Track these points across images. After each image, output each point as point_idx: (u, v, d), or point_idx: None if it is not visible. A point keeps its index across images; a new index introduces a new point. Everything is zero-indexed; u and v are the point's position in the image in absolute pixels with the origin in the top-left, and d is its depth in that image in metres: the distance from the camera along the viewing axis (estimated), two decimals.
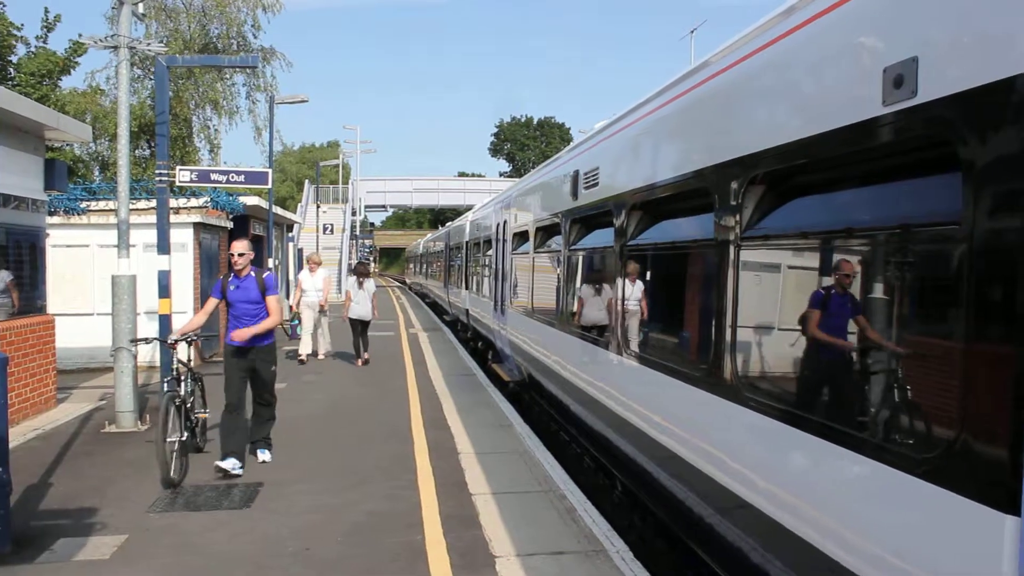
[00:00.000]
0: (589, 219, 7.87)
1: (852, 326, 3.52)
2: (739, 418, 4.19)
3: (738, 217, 4.25)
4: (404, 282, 76.23)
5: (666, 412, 5.44)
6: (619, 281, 6.54)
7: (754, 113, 4.30)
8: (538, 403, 11.38)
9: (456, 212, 56.38)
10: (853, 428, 3.31)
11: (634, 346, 6.28)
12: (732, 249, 4.34)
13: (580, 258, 8.40)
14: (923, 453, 2.84)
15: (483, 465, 8.01)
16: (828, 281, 3.70)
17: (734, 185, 4.28)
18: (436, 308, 33.92)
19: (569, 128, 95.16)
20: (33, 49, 19.81)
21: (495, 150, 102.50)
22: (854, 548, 3.18)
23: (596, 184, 7.35)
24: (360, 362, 15.74)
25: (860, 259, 3.53)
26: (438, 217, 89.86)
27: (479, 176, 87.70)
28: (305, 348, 15.73)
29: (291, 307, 16.06)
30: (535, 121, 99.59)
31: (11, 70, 19.40)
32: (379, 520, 6.35)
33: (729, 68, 4.59)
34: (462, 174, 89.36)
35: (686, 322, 5.57)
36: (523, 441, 9.11)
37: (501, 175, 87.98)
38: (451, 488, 7.20)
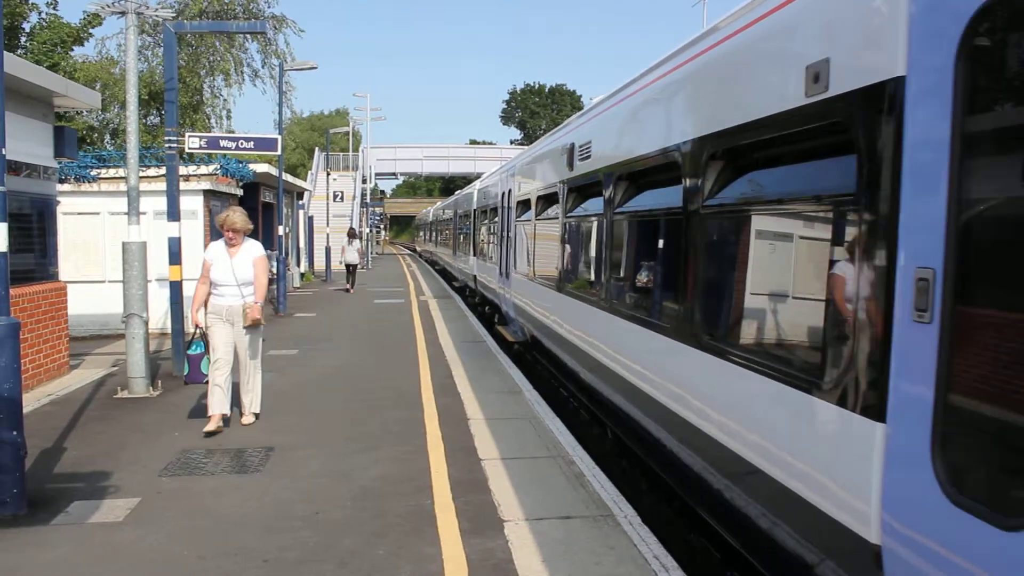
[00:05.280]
0: (583, 189, 8.49)
1: (775, 277, 4.35)
2: (717, 368, 4.66)
3: (701, 188, 4.85)
4: (414, 250, 76.33)
5: (643, 361, 6.12)
6: (607, 245, 7.22)
7: (710, 99, 4.95)
8: (541, 363, 11.93)
9: (466, 180, 56.13)
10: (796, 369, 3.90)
11: (619, 305, 6.91)
12: (697, 217, 4.94)
13: (576, 225, 8.97)
14: (822, 377, 3.48)
15: (492, 431, 8.05)
16: (761, 245, 4.45)
17: (698, 160, 4.91)
18: (446, 275, 33.96)
19: (580, 96, 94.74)
20: (44, 17, 19.64)
21: (506, 118, 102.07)
22: (773, 458, 3.88)
23: (589, 156, 7.96)
24: (352, 290, 25.03)
25: (790, 225, 4.24)
26: (448, 185, 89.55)
27: (490, 144, 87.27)
28: (218, 404, 7.84)
29: (195, 325, 8.06)
30: (547, 89, 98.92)
31: (22, 37, 19.27)
32: (388, 485, 6.40)
33: (694, 58, 5.20)
34: (473, 142, 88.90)
35: (664, 281, 6.09)
36: (532, 407, 9.14)
37: (512, 143, 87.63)
38: (460, 453, 7.25)
